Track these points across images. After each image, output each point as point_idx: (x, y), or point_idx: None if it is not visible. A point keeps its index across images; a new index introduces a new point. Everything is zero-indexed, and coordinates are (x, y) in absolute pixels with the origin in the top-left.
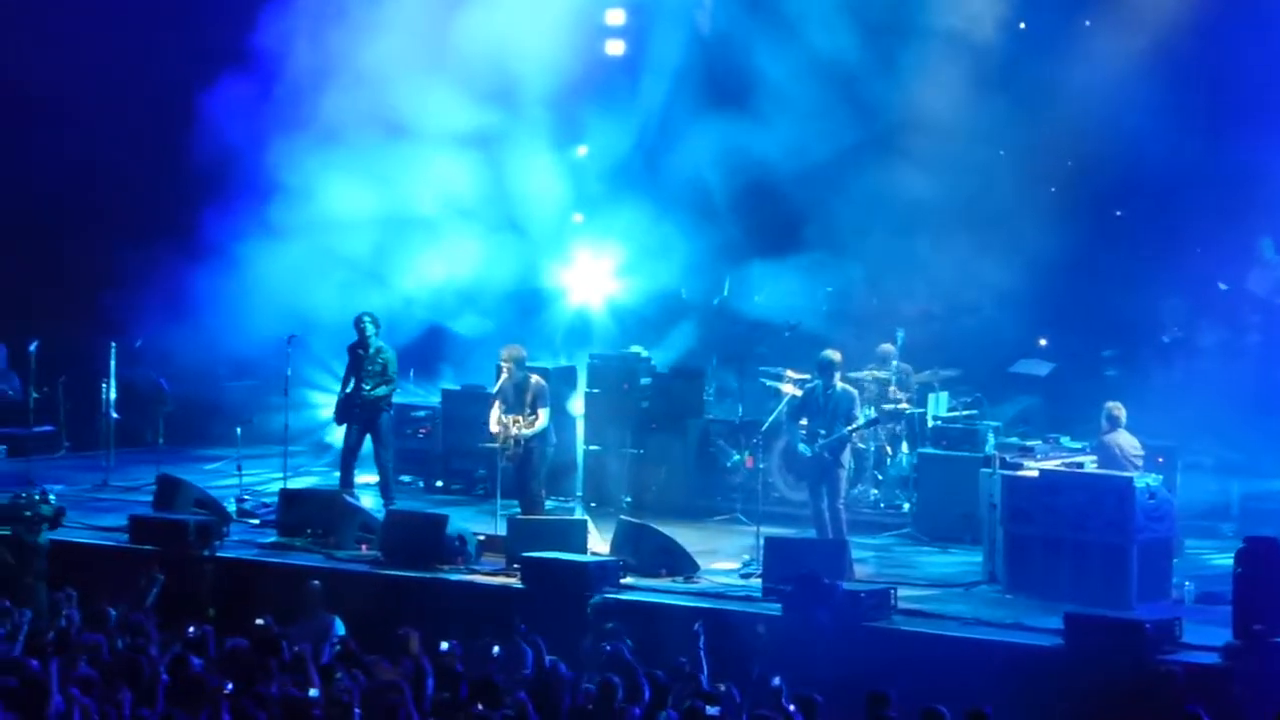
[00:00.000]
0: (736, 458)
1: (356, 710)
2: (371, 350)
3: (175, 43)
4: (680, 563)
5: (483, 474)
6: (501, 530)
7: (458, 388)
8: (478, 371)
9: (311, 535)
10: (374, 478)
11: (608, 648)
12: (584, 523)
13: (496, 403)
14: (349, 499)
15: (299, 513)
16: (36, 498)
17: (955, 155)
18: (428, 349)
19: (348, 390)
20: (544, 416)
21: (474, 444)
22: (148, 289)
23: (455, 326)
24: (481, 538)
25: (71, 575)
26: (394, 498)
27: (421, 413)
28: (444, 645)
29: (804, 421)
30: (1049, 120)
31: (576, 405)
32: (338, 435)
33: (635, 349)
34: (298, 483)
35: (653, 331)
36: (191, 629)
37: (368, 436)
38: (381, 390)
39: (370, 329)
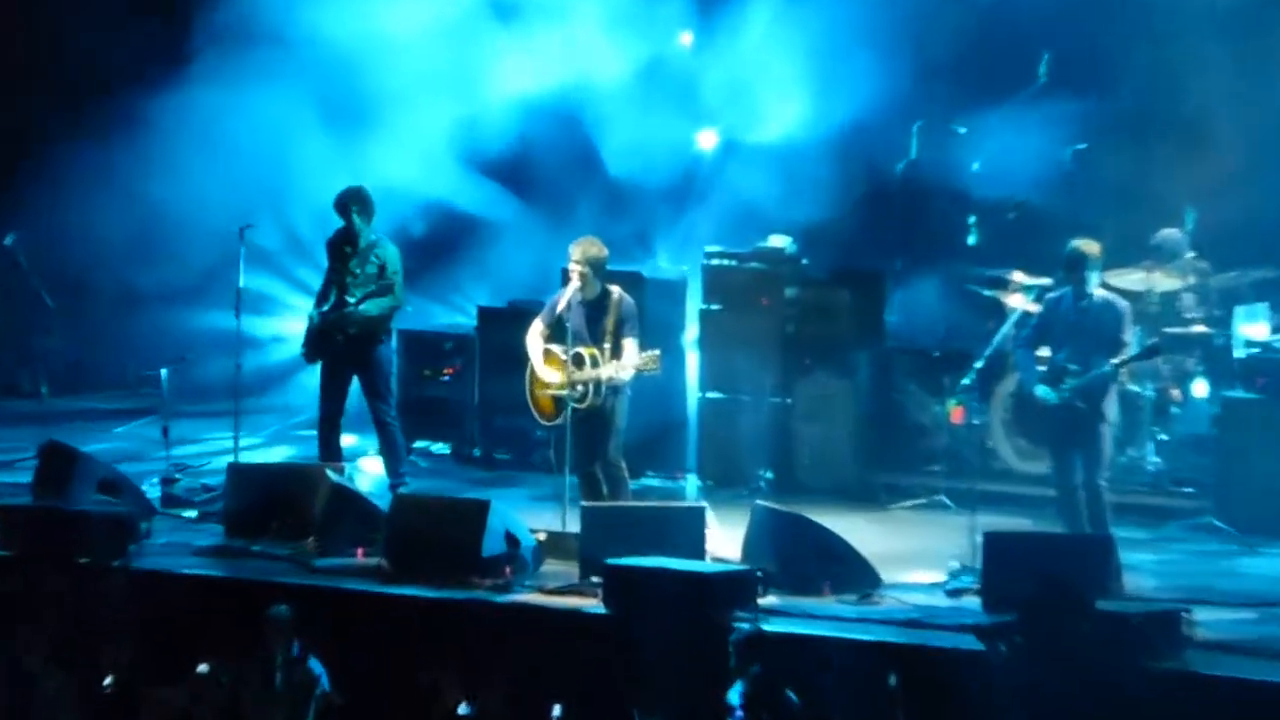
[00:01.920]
0: (937, 409)
1: None
2: (361, 245)
3: None
4: (852, 573)
5: (541, 436)
6: (573, 524)
7: (502, 305)
8: (529, 280)
9: (278, 533)
10: (370, 445)
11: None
12: (700, 511)
13: (540, 325)
14: (336, 478)
15: (258, 500)
16: None
17: None
18: (448, 243)
19: (324, 309)
20: (632, 351)
21: (525, 392)
22: (19, 158)
23: (488, 210)
24: (541, 536)
25: None
26: (405, 475)
27: (447, 344)
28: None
29: (1044, 352)
30: None
31: (688, 332)
32: (312, 380)
33: (776, 241)
34: (256, 455)
35: (799, 212)
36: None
37: (356, 380)
38: (377, 307)
39: (358, 217)
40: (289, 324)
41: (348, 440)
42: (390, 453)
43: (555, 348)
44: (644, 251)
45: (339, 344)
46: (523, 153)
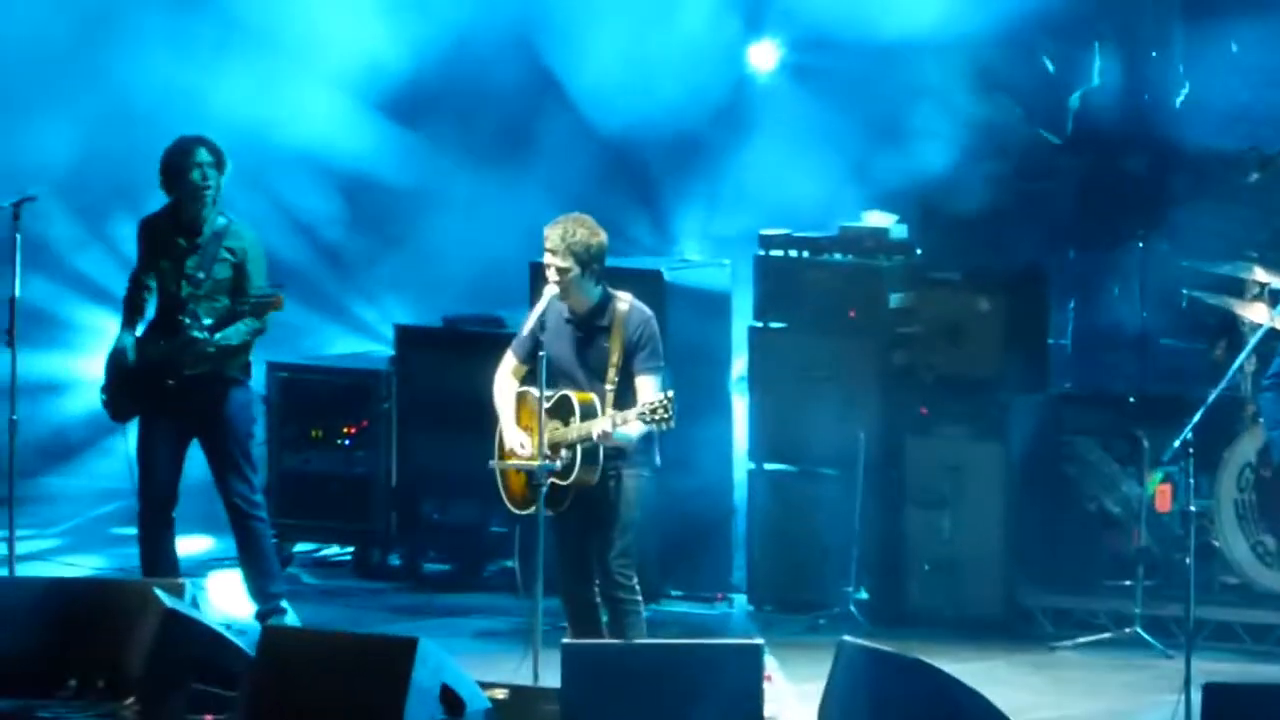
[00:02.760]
0: (1132, 489)
1: None
2: (206, 233)
3: None
4: None
5: (499, 531)
6: (552, 675)
7: (434, 323)
8: (477, 285)
9: (79, 692)
10: (225, 549)
11: None
12: (755, 653)
13: (512, 360)
14: (170, 602)
15: (47, 638)
16: None
17: None
18: (350, 229)
19: (141, 335)
20: (650, 394)
21: (477, 459)
22: None
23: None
24: (500, 695)
25: None
26: (279, 597)
27: (346, 387)
28: None
29: None
30: None
31: (734, 367)
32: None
33: (875, 219)
34: (42, 568)
35: (910, 174)
36: None
37: (197, 445)
38: (238, 333)
39: (201, 188)
40: (90, 359)
41: (190, 543)
42: (255, 562)
43: (534, 393)
44: (659, 238)
45: (170, 390)
46: (465, 88)
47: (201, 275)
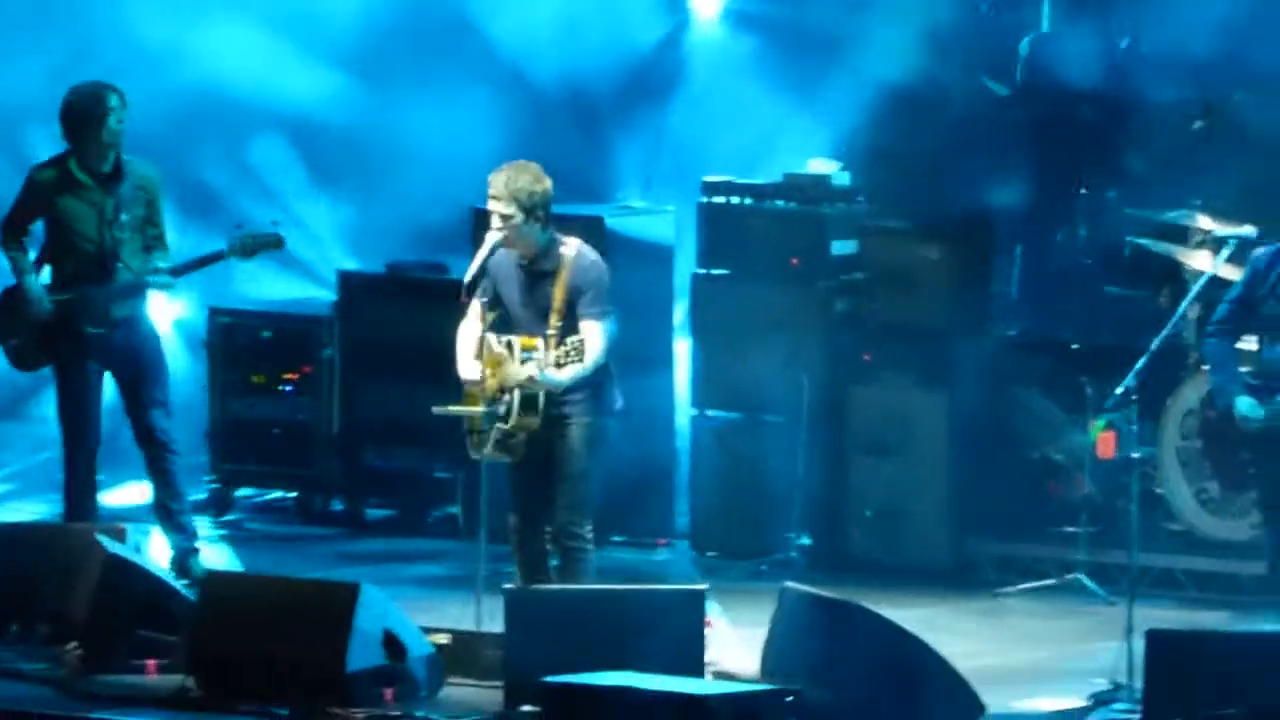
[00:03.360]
0: (1075, 436)
1: None
2: (126, 174)
3: None
4: (940, 697)
5: (443, 477)
6: (495, 620)
7: (376, 269)
8: (427, 228)
9: (21, 637)
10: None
11: None
12: (697, 598)
13: (477, 306)
14: (112, 547)
15: None
16: None
17: None
18: (287, 169)
19: (49, 281)
20: (598, 339)
21: (420, 406)
22: None
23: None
24: (443, 640)
25: None
26: (194, 533)
27: (288, 332)
28: None
29: (1248, 344)
30: None
31: (676, 314)
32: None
33: (818, 166)
34: None
35: (854, 118)
36: None
37: (114, 387)
38: (157, 274)
39: (113, 127)
40: None
41: (129, 492)
42: (177, 498)
43: (494, 339)
44: (602, 184)
45: (94, 336)
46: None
47: (125, 217)
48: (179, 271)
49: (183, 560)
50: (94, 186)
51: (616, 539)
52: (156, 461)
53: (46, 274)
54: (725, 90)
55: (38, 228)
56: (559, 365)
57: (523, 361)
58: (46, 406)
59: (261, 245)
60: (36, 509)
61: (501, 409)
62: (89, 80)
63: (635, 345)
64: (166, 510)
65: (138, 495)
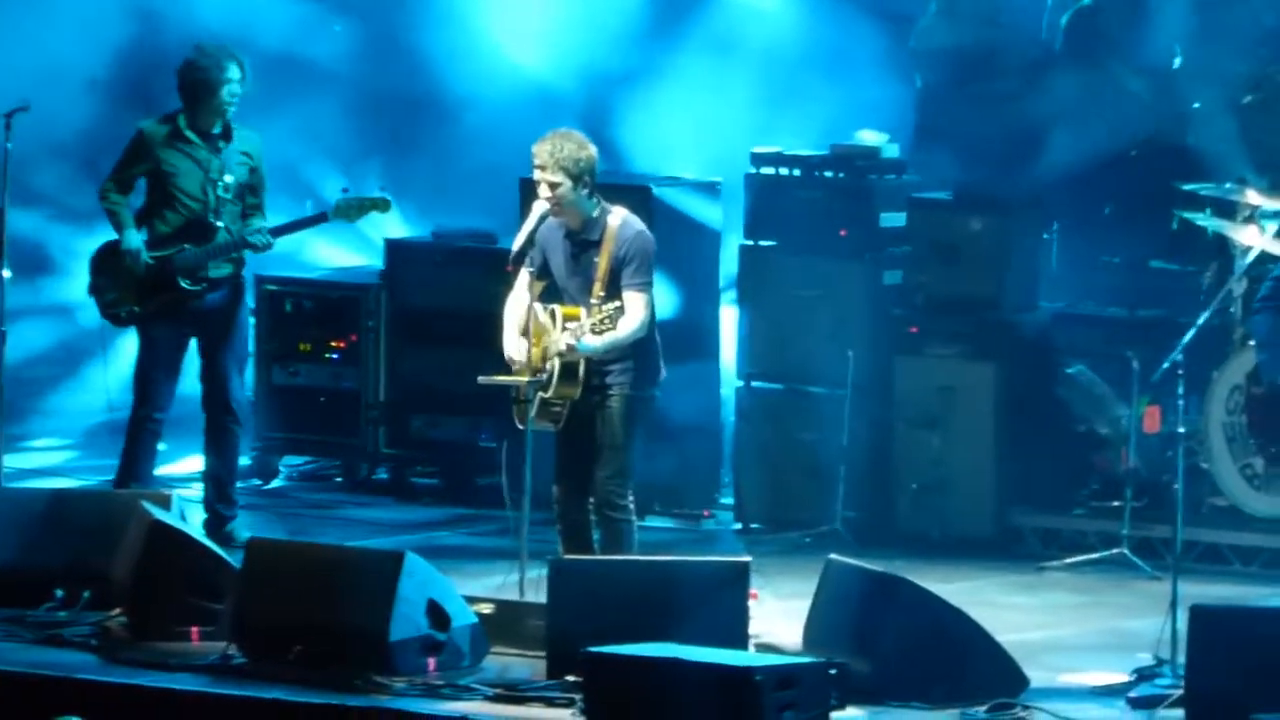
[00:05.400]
0: (1121, 411)
1: None
2: (235, 138)
3: None
4: (982, 671)
5: (488, 446)
6: (538, 591)
7: (422, 235)
8: (478, 193)
9: (66, 602)
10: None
11: None
12: (741, 570)
13: (525, 277)
14: (158, 514)
15: (37, 548)
16: None
17: None
18: (329, 124)
19: (147, 237)
20: (639, 310)
21: (466, 375)
22: None
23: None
24: (486, 609)
25: None
26: (237, 504)
27: (330, 294)
28: None
29: None
30: None
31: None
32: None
33: (867, 137)
34: (38, 480)
35: (902, 91)
36: None
37: (194, 350)
38: (258, 234)
39: (232, 90)
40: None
41: (189, 463)
42: (230, 467)
43: (540, 308)
44: (648, 154)
45: (179, 294)
46: None
47: (230, 179)
48: (280, 232)
49: (225, 528)
50: (201, 145)
51: (661, 510)
52: (219, 431)
53: (144, 232)
54: (776, 61)
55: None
56: (595, 333)
57: (563, 330)
58: (106, 373)
59: (368, 207)
60: (86, 478)
61: (544, 378)
62: (214, 42)
63: (681, 316)
64: (218, 481)
65: (193, 467)
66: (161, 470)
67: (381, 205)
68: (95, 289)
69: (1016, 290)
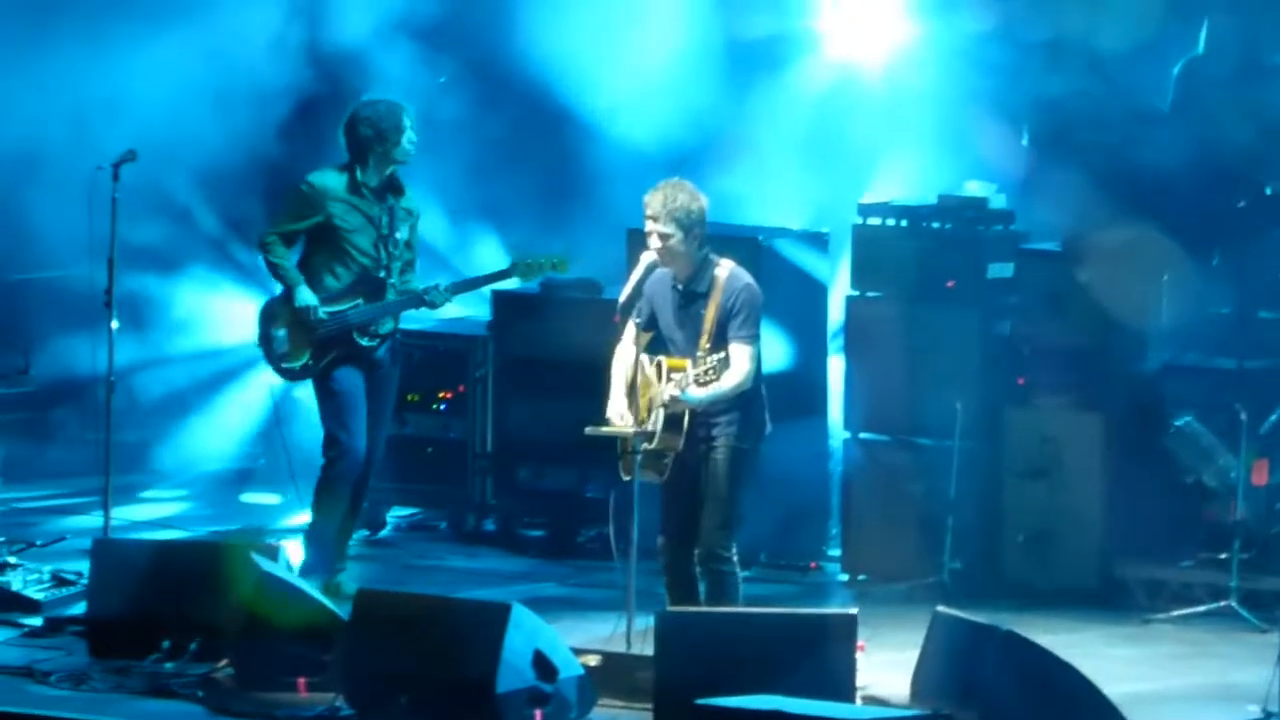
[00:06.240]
0: (1230, 463)
1: None
2: (406, 197)
3: None
4: None
5: (595, 497)
6: (645, 643)
7: (531, 288)
8: (591, 248)
9: (171, 654)
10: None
11: None
12: (848, 622)
13: (632, 329)
14: (264, 564)
15: (141, 598)
16: None
17: None
18: (442, 178)
19: (331, 299)
20: (745, 362)
21: (573, 425)
22: None
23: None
24: (593, 661)
25: None
26: (345, 554)
27: (439, 345)
28: None
29: None
30: None
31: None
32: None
33: (974, 188)
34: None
35: (1006, 141)
36: None
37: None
38: (435, 291)
39: (407, 140)
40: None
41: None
42: (350, 522)
43: (647, 360)
44: (756, 204)
45: (356, 353)
46: None
47: (400, 236)
48: (458, 289)
49: (334, 580)
50: (372, 200)
51: (769, 562)
52: (362, 488)
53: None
54: (883, 112)
55: None
56: (700, 384)
57: (668, 381)
58: (217, 425)
59: (546, 265)
60: (194, 529)
61: (649, 429)
62: (380, 96)
63: (789, 368)
64: (341, 535)
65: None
66: (279, 524)
67: (559, 263)
68: (264, 341)
69: (1122, 340)
